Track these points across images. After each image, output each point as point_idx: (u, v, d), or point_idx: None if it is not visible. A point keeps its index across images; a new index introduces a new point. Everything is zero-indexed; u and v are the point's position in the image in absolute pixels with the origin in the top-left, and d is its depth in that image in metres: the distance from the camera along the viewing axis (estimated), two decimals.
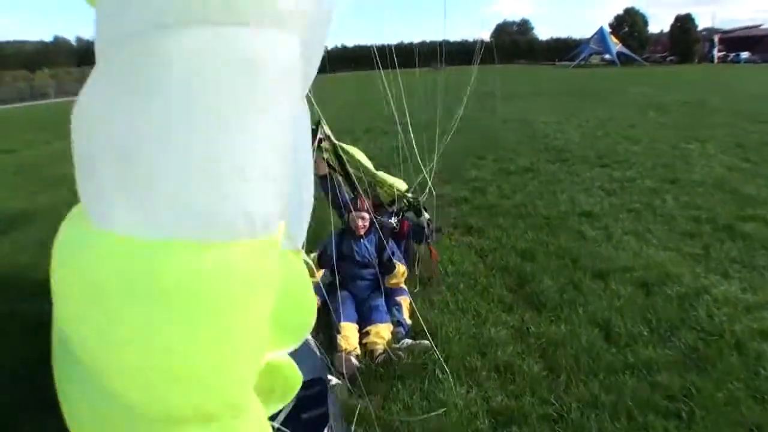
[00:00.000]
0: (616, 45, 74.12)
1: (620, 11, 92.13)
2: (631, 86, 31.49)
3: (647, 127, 16.13)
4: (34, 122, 38.20)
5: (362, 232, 5.58)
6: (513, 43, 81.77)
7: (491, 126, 17.18)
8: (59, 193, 12.38)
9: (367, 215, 5.54)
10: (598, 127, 16.26)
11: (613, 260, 6.34)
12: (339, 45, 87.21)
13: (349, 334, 4.81)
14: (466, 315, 5.31)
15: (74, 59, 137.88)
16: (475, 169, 11.71)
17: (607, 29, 78.07)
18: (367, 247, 5.60)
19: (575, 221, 7.87)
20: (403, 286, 5.63)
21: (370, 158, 11.34)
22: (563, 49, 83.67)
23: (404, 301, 5.39)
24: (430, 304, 5.60)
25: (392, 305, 5.30)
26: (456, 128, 15.41)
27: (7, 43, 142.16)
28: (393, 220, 5.96)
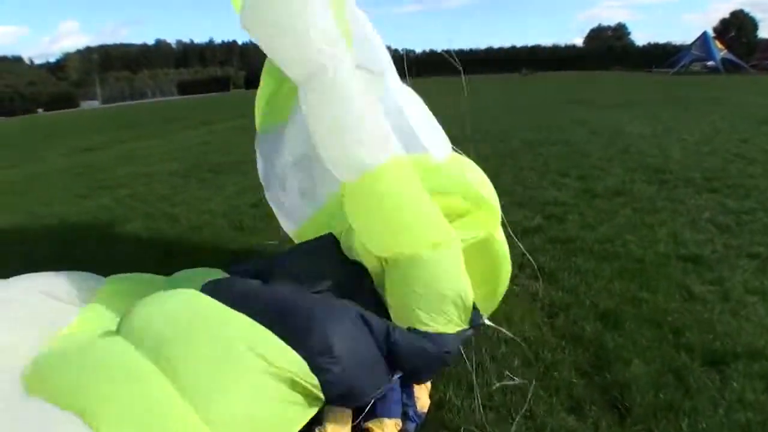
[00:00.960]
0: (720, 51, 68.57)
1: (725, 15, 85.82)
2: (739, 95, 28.17)
3: (762, 142, 13.73)
4: (121, 121, 39.37)
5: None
6: (608, 48, 77.27)
7: (578, 138, 15.25)
8: (100, 200, 11.81)
9: None
10: (704, 142, 13.95)
11: (733, 336, 4.60)
12: (427, 50, 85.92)
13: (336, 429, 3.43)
14: (512, 411, 3.80)
15: (172, 61, 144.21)
16: (555, 188, 10.01)
17: (711, 34, 72.57)
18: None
19: (678, 269, 6.10)
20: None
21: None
22: (661, 55, 78.11)
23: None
24: (459, 384, 4.17)
25: (403, 385, 3.87)
26: (538, 139, 13.77)
27: (113, 45, 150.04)
28: None
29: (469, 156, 5.08)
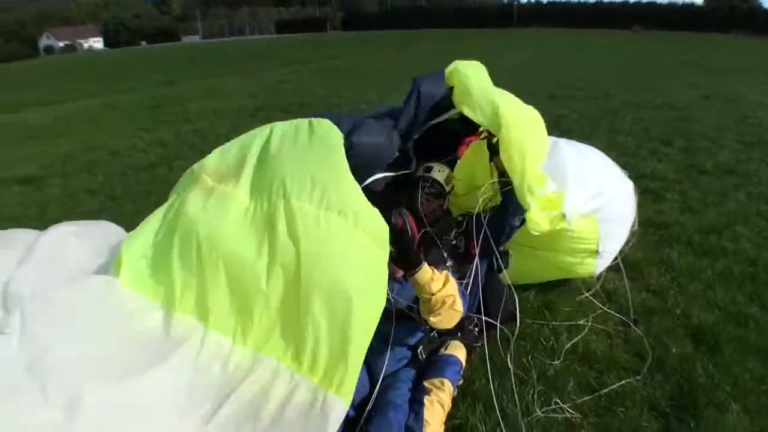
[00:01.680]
0: None
1: None
2: None
3: None
4: (213, 56, 39.70)
5: (397, 275, 3.33)
6: (730, 9, 69.87)
7: (687, 102, 13.28)
8: (161, 134, 11.47)
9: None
10: None
11: None
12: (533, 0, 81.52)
13: None
14: None
15: (273, 0, 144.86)
16: (655, 159, 8.50)
17: None
18: (410, 289, 3.33)
19: None
20: (454, 353, 3.39)
21: None
22: None
23: (438, 390, 3.10)
24: (487, 409, 3.20)
25: (415, 399, 3.07)
26: (642, 101, 12.05)
27: None
28: (453, 234, 3.89)
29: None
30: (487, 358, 3.22)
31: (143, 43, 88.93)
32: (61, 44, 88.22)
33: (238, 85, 20.15)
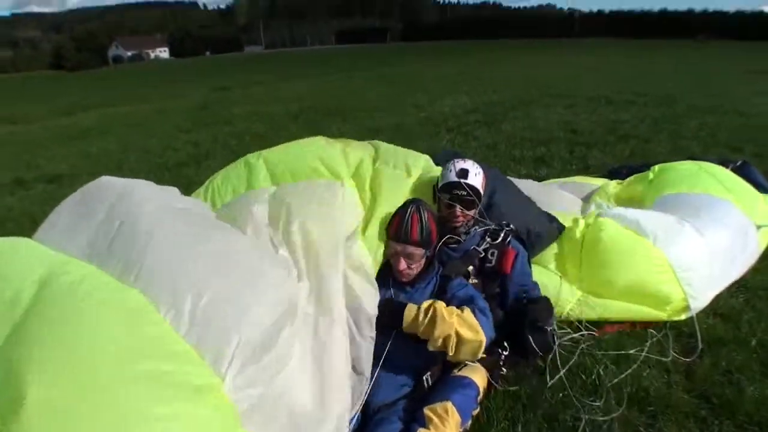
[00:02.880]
0: None
1: None
2: None
3: None
4: (270, 64, 40.17)
5: (405, 279, 2.96)
6: None
7: (759, 109, 11.92)
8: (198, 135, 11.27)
9: (416, 251, 2.92)
10: None
11: None
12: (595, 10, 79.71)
13: None
14: None
15: (334, 10, 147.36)
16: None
17: None
18: (417, 301, 2.83)
19: None
20: (469, 375, 2.76)
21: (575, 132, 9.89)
22: None
23: (440, 421, 2.48)
24: None
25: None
26: (708, 106, 10.97)
27: None
28: (484, 246, 3.31)
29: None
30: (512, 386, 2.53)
31: (208, 52, 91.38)
32: (129, 54, 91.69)
33: (288, 91, 19.99)
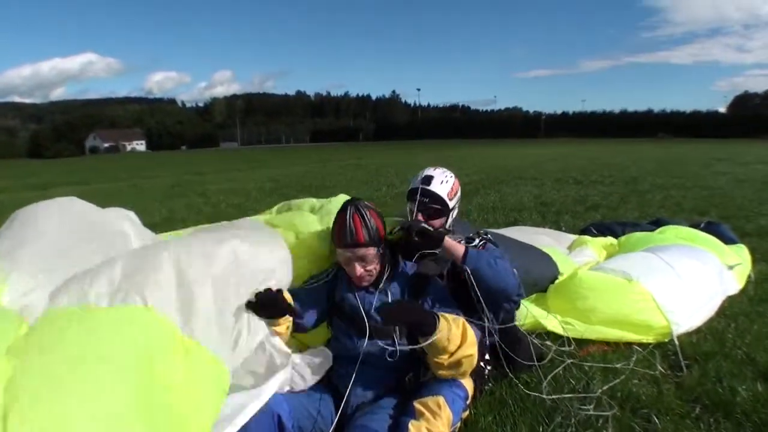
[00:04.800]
0: None
1: None
2: None
3: None
4: (247, 157, 40.75)
5: (366, 282, 2.72)
6: (755, 116, 68.99)
7: (720, 184, 12.50)
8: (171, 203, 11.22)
9: (367, 251, 2.64)
10: None
11: None
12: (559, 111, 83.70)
13: None
14: None
15: (309, 111, 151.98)
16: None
17: None
18: (382, 299, 2.69)
19: None
20: (462, 383, 2.54)
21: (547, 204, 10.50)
22: None
23: (432, 416, 2.31)
24: None
25: (397, 425, 2.31)
26: (672, 184, 11.41)
27: (257, 94, 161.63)
28: (477, 241, 3.01)
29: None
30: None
31: (184, 147, 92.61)
32: (106, 145, 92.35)
33: (263, 175, 20.28)
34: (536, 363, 3.13)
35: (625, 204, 9.69)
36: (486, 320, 2.87)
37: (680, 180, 13.22)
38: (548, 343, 3.52)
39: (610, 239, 5.55)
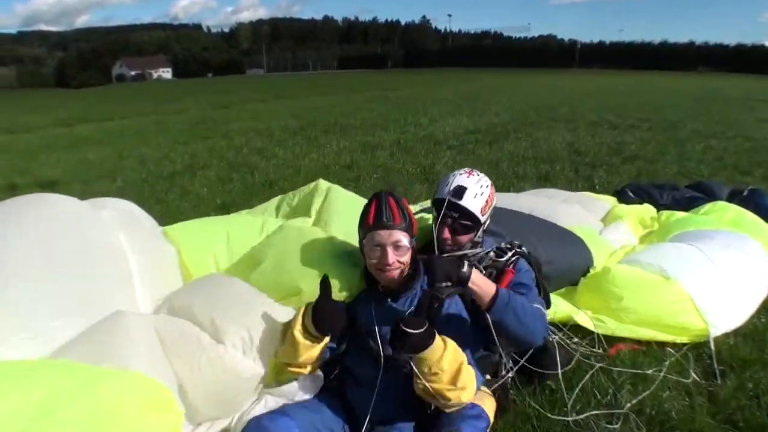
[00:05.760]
0: None
1: None
2: None
3: None
4: (272, 86, 40.29)
5: (393, 276, 2.37)
6: None
7: (766, 135, 11.87)
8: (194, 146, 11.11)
9: (403, 236, 2.33)
10: None
11: None
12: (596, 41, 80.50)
13: None
14: None
15: (336, 37, 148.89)
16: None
17: None
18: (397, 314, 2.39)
19: None
20: (478, 403, 2.39)
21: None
22: None
23: None
24: None
25: None
26: (713, 132, 10.83)
27: (284, 19, 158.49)
28: (486, 262, 2.64)
29: None
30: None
31: (210, 74, 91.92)
32: (132, 73, 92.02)
33: (286, 109, 19.88)
34: (562, 370, 2.95)
35: (663, 156, 9.23)
36: (503, 359, 2.73)
37: (721, 128, 12.51)
38: (576, 340, 3.34)
39: (647, 208, 5.23)
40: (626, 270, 3.54)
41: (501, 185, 7.50)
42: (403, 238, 2.32)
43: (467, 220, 2.58)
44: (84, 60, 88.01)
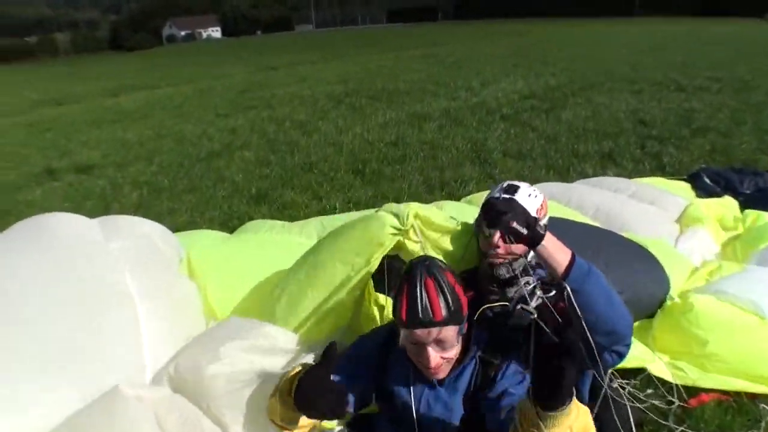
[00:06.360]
0: None
1: None
2: None
3: None
4: (321, 44, 39.79)
5: (442, 375, 1.89)
6: None
7: None
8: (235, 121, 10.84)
9: (447, 331, 1.78)
10: None
11: None
12: None
13: None
14: None
15: None
16: None
17: None
18: (446, 402, 1.92)
19: None
20: None
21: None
22: None
23: None
24: None
25: None
26: None
27: None
28: (535, 302, 2.02)
29: None
30: None
31: (259, 32, 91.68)
32: (182, 33, 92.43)
33: (335, 71, 19.34)
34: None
35: (738, 127, 8.24)
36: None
37: None
38: (650, 391, 2.83)
39: (728, 205, 4.57)
40: (712, 307, 2.90)
41: (561, 166, 6.91)
42: (448, 333, 1.80)
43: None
44: (136, 22, 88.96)
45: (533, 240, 1.86)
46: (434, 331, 1.76)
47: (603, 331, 1.89)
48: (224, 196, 6.34)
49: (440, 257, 2.21)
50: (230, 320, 2.56)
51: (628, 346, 2.11)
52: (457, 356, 1.89)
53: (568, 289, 1.83)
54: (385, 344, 2.08)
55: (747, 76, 12.86)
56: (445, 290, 1.79)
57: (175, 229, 4.74)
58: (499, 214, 1.97)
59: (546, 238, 1.87)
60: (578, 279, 1.85)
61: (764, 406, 2.72)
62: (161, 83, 19.61)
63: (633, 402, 2.68)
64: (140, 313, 2.37)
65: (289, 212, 5.71)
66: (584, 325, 1.83)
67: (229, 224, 5.37)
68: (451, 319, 1.77)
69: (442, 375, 1.88)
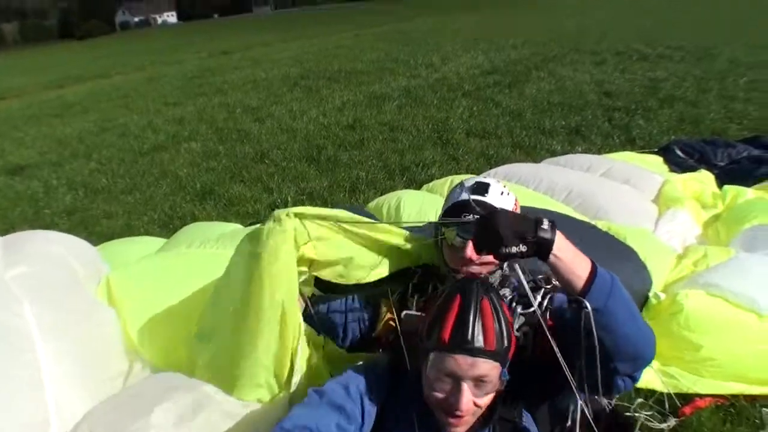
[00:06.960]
0: None
1: None
2: None
3: None
4: (279, 25, 38.95)
5: (462, 426, 1.49)
6: None
7: None
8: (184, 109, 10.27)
9: (491, 370, 1.41)
10: None
11: None
12: None
13: None
14: None
15: None
16: None
17: None
18: None
19: None
20: None
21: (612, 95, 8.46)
22: None
23: None
24: None
25: None
26: (760, 61, 9.49)
27: None
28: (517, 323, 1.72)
29: None
30: None
31: (216, 15, 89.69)
32: (136, 19, 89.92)
33: (291, 52, 18.74)
34: None
35: (704, 95, 7.97)
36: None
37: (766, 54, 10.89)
38: (640, 400, 2.49)
39: (705, 180, 4.27)
40: (704, 306, 2.54)
41: (527, 144, 6.56)
42: (492, 371, 1.43)
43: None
44: (86, 8, 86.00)
45: (540, 250, 1.45)
46: (480, 363, 1.40)
47: (626, 356, 1.53)
48: (166, 194, 5.85)
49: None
50: (158, 376, 2.08)
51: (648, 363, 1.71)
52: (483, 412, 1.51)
53: (588, 308, 1.42)
54: (385, 379, 1.69)
55: (708, 42, 12.61)
56: (501, 319, 1.44)
57: (110, 235, 4.26)
58: (487, 236, 1.48)
59: (557, 241, 1.44)
60: (601, 295, 1.45)
61: (765, 409, 2.42)
62: (111, 72, 18.77)
63: (623, 419, 2.36)
64: (41, 356, 1.89)
65: (236, 208, 5.28)
66: (604, 349, 1.45)
67: (170, 226, 4.94)
68: (501, 355, 1.44)
69: (462, 429, 1.50)
